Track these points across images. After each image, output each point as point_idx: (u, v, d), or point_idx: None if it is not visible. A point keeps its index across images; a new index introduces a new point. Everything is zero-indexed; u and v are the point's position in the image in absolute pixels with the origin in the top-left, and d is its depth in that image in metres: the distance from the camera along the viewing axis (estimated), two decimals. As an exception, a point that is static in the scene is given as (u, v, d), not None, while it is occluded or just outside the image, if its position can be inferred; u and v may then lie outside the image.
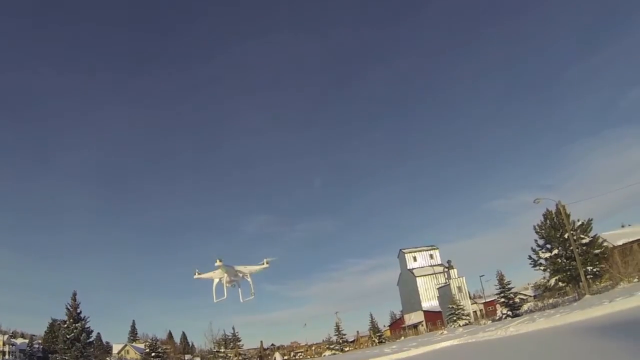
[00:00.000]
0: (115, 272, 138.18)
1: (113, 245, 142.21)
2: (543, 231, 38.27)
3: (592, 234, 38.21)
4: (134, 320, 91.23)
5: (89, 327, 47.38)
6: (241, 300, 16.87)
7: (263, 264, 16.64)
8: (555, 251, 37.02)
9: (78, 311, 46.98)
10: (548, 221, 38.15)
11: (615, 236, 44.60)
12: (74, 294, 47.47)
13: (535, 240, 38.91)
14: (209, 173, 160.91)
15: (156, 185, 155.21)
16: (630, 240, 43.48)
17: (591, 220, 38.90)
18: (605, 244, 39.46)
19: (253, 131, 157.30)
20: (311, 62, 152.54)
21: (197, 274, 16.20)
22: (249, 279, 16.79)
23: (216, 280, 16.03)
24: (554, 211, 38.10)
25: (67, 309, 46.98)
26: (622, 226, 51.90)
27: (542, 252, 38.25)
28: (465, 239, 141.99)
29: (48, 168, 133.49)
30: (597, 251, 36.55)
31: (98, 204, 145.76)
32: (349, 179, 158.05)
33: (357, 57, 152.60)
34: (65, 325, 46.84)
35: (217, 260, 14.89)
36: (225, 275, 15.73)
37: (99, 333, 70.02)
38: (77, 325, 45.90)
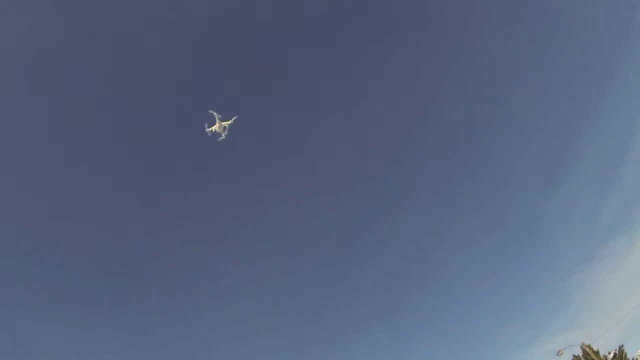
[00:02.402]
0: None
1: None
2: (580, 377, 40.68)
3: (631, 356, 40.76)
4: None
5: None
6: (223, 137, 40.37)
7: (231, 120, 39.90)
8: (600, 391, 38.92)
9: None
10: (580, 366, 41.04)
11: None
12: None
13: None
14: None
15: None
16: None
17: (622, 346, 41.95)
18: (647, 362, 41.49)
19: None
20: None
21: (207, 128, 40.36)
22: (227, 124, 40.64)
23: (213, 128, 40.31)
24: (581, 354, 41.44)
25: None
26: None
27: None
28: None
29: None
30: (641, 373, 38.78)
31: None
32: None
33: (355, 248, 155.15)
34: None
35: (215, 113, 38.95)
36: (217, 121, 40.16)
37: None
38: None
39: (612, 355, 41.06)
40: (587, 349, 40.75)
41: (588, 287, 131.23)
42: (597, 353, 40.34)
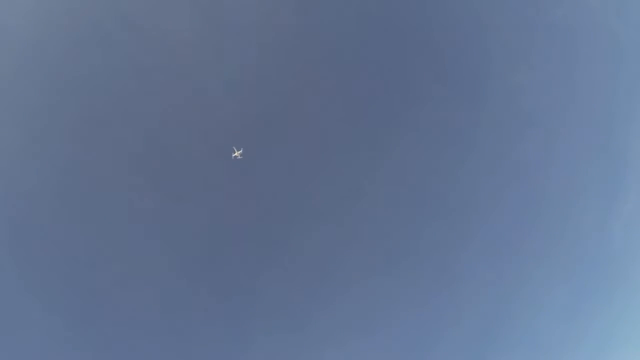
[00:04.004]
0: None
1: None
2: None
3: None
4: None
5: None
6: (239, 157, 62.29)
7: (241, 150, 62.58)
8: None
9: None
10: None
11: None
12: None
13: None
14: None
15: None
16: None
17: None
18: None
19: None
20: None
21: (234, 154, 62.23)
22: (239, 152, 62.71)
23: (235, 154, 62.15)
24: None
25: None
26: None
27: None
28: None
29: None
30: None
31: None
32: None
33: None
34: None
35: (236, 149, 62.00)
36: (236, 152, 62.14)
37: None
38: None
39: None
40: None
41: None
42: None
